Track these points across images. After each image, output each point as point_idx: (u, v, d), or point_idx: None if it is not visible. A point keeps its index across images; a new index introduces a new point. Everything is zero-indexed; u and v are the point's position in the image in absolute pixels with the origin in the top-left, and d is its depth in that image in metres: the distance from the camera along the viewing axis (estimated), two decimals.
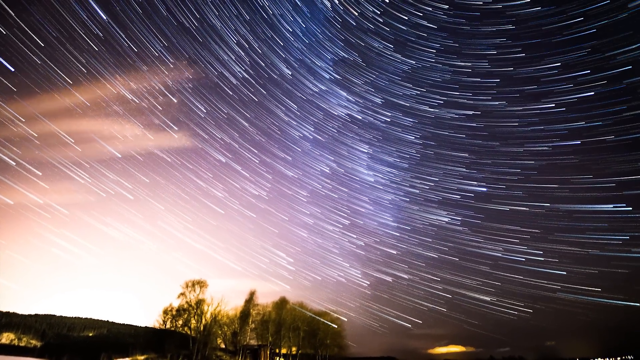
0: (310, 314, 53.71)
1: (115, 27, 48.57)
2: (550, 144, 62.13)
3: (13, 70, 44.33)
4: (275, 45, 63.16)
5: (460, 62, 64.06)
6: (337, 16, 64.63)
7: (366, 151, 69.96)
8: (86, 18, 44.96)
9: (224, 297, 47.17)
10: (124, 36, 50.00)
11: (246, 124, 65.35)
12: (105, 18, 47.02)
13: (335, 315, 57.31)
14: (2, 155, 46.61)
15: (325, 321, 54.51)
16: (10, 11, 41.06)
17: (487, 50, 61.23)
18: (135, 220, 62.06)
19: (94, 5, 45.35)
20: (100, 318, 52.98)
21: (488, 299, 59.50)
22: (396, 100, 68.22)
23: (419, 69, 66.24)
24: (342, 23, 65.88)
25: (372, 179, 68.38)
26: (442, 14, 63.09)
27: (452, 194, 67.09)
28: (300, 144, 69.26)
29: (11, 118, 44.70)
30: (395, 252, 64.24)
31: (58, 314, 52.37)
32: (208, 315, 45.68)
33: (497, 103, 64.45)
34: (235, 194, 64.20)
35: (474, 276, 61.29)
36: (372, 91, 67.81)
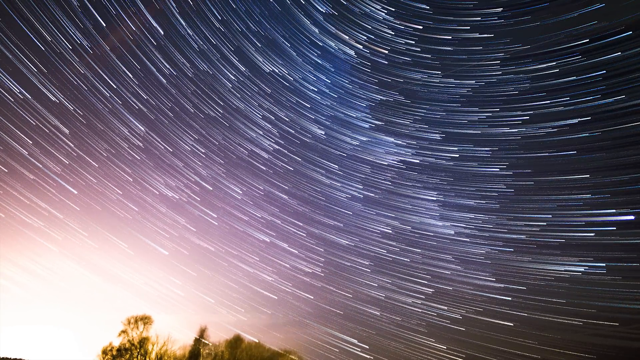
0: (269, 354, 50.33)
1: (152, 134, 55.62)
2: None
3: (76, 192, 50.52)
4: (302, 109, 61.19)
5: (539, 64, 47.96)
6: (365, 61, 59.69)
7: (435, 199, 56.33)
8: (128, 133, 52.66)
9: (171, 336, 43.90)
10: (159, 140, 55.87)
11: (285, 197, 61.38)
12: (143, 129, 54.38)
13: (297, 355, 53.99)
14: (69, 269, 52.68)
15: None
16: (71, 143, 49.14)
17: (575, 41, 46.67)
18: (186, 315, 60.01)
19: (133, 120, 52.86)
20: (31, 359, 47.24)
21: None
22: (461, 131, 55.08)
23: (483, 88, 53.53)
24: (371, 66, 61.06)
25: (452, 232, 54.50)
26: (496, 19, 52.54)
27: (580, 231, 43.08)
28: (350, 207, 60.70)
29: (76, 235, 51.43)
30: (512, 324, 46.05)
31: None
32: (153, 355, 42.10)
33: (611, 100, 42.22)
34: (286, 275, 58.89)
35: None
36: (425, 128, 57.93)
